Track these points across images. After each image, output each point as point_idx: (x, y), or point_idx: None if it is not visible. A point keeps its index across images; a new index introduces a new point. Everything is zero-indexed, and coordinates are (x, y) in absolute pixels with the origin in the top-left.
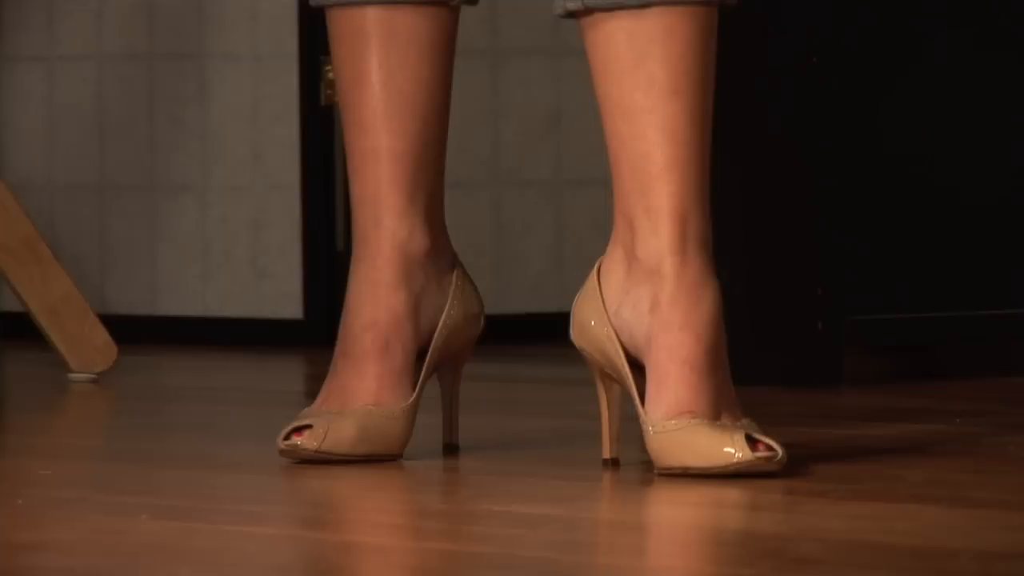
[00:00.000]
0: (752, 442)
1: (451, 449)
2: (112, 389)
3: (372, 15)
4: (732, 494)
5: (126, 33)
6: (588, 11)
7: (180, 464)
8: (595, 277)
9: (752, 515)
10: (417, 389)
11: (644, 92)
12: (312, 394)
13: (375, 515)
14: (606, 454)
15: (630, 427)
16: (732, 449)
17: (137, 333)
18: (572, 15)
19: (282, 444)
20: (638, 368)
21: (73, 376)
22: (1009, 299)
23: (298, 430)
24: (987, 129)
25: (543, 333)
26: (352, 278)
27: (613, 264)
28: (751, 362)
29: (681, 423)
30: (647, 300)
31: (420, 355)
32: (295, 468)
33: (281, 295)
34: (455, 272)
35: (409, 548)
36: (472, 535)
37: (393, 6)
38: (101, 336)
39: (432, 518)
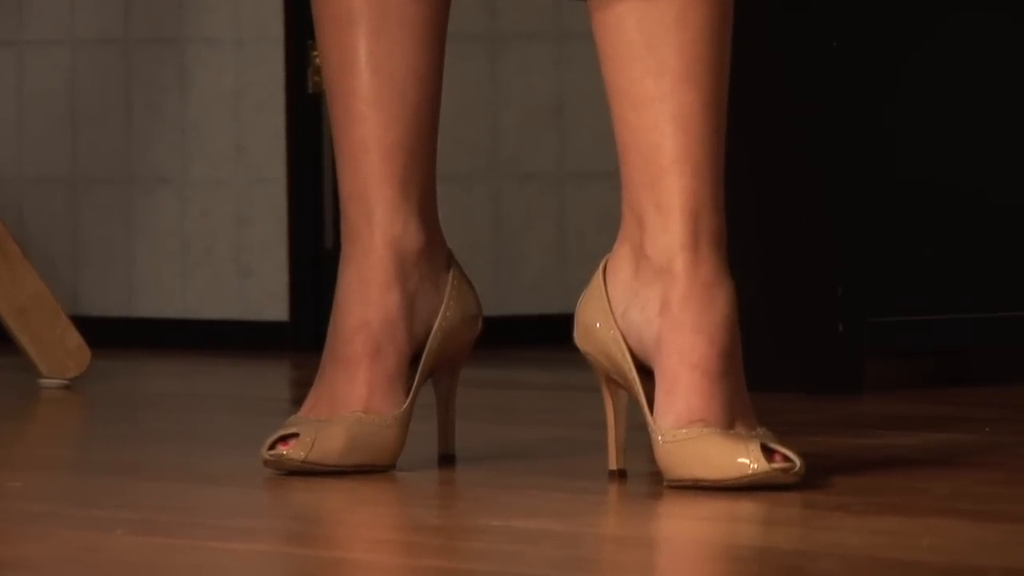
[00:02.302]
0: (768, 452)
1: (447, 459)
2: (85, 396)
3: None
4: (746, 508)
5: (100, 16)
6: None
7: (158, 476)
8: (600, 276)
9: (768, 530)
10: (411, 396)
11: (655, 79)
12: (299, 401)
13: (366, 530)
14: (612, 465)
15: (638, 436)
16: (747, 460)
17: (112, 336)
18: None
19: (267, 454)
20: (646, 373)
21: (43, 382)
22: None
23: (284, 439)
24: (1016, 119)
25: (545, 336)
26: (341, 277)
27: (620, 262)
28: (766, 367)
29: (692, 432)
30: (657, 301)
31: (414, 359)
32: (281, 480)
33: (266, 295)
34: (451, 271)
35: (402, 565)
36: (469, 551)
37: None
38: (73, 339)
39: (426, 533)
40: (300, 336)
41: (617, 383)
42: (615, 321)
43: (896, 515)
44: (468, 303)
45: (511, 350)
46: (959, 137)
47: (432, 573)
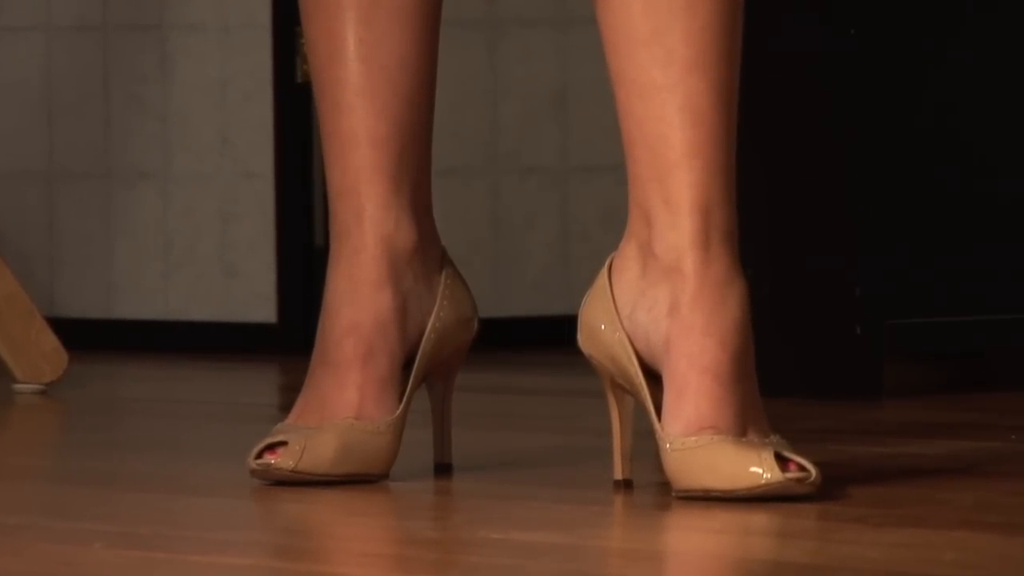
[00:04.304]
0: (782, 461)
1: (443, 469)
2: (62, 401)
3: None
4: (760, 520)
5: (78, 1)
6: None
7: (138, 486)
8: (606, 275)
9: (782, 543)
10: (404, 401)
11: (663, 68)
12: (287, 407)
13: (358, 543)
14: (617, 474)
15: (645, 444)
16: (760, 469)
17: (90, 338)
18: None
19: (254, 463)
20: (654, 378)
21: (18, 387)
22: None
23: (271, 448)
24: None
25: (546, 338)
26: (330, 277)
27: (627, 261)
28: (780, 371)
29: (702, 440)
30: (665, 301)
31: (407, 363)
32: (268, 490)
33: (252, 296)
34: (444, 271)
35: None
36: (466, 565)
37: None
38: (49, 342)
39: (421, 547)
40: (288, 339)
41: (623, 388)
42: (621, 323)
43: (917, 527)
44: (462, 304)
45: (511, 353)
46: (981, 134)
47: None
